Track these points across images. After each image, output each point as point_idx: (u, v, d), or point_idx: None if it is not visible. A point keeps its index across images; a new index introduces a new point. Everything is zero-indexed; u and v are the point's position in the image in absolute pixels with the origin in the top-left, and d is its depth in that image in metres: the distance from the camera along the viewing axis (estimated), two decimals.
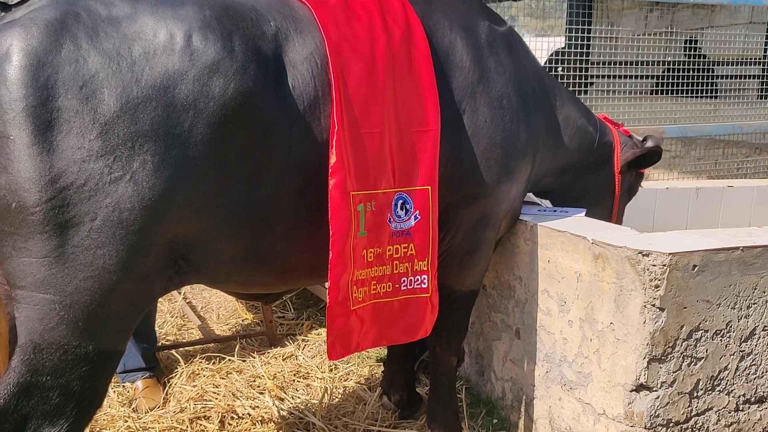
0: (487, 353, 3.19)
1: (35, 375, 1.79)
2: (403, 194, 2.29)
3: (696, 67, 5.18)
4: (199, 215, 1.94)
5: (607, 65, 5.36)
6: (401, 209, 2.30)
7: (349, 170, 2.13)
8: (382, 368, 3.29)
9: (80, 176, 1.74)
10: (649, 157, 3.17)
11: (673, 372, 2.38)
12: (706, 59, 5.54)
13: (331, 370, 3.52)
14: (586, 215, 2.88)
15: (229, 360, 3.58)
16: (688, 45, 5.65)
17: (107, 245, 1.78)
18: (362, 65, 2.18)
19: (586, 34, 4.63)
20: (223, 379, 3.38)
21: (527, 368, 2.91)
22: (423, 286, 2.40)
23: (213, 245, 2.02)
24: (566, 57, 4.74)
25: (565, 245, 2.64)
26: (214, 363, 3.56)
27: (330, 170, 2.08)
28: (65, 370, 1.81)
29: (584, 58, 4.74)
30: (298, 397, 3.26)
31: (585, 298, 2.56)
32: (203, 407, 3.11)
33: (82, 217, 1.76)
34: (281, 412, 3.11)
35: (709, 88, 5.24)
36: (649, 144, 3.16)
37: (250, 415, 3.06)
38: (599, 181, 3.16)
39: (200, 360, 3.58)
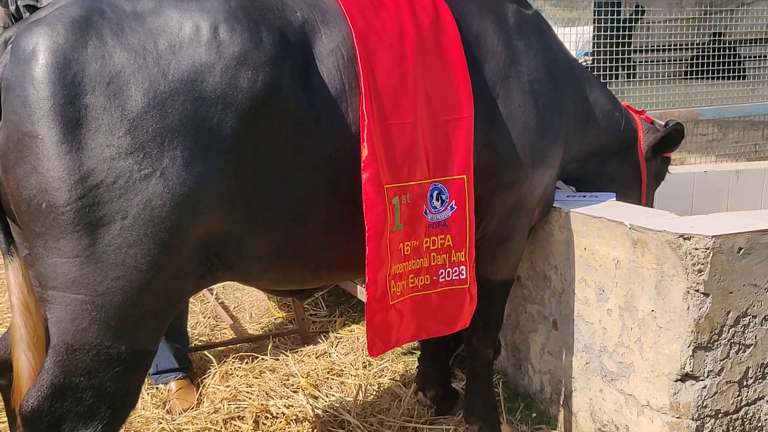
0: (523, 346, 3.13)
1: (68, 376, 1.77)
2: (438, 185, 2.24)
3: (731, 45, 5.05)
4: (230, 211, 1.91)
5: (640, 50, 5.24)
6: (437, 200, 2.25)
7: (381, 163, 2.09)
8: (416, 364, 3.24)
9: (110, 174, 1.72)
10: (672, 137, 3.10)
11: (721, 360, 2.30)
12: (740, 39, 5.41)
13: (365, 367, 3.48)
14: None
15: (262, 359, 3.55)
16: (716, 33, 5.52)
17: (138, 244, 1.76)
18: (391, 55, 2.15)
19: (616, 17, 4.55)
20: (256, 378, 3.36)
21: (566, 360, 2.84)
22: (461, 277, 2.35)
23: (245, 241, 1.99)
24: (600, 42, 4.66)
25: (602, 231, 2.58)
26: (247, 362, 3.53)
27: (362, 164, 2.05)
28: (98, 370, 1.78)
29: (619, 41, 4.64)
30: (333, 395, 3.23)
31: (624, 286, 2.49)
32: (237, 407, 3.09)
33: (113, 216, 1.73)
34: (315, 410, 3.08)
35: (746, 67, 5.11)
36: (671, 125, 3.10)
37: (284, 414, 3.03)
38: (625, 168, 3.11)
39: (233, 360, 3.56)
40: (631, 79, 5.03)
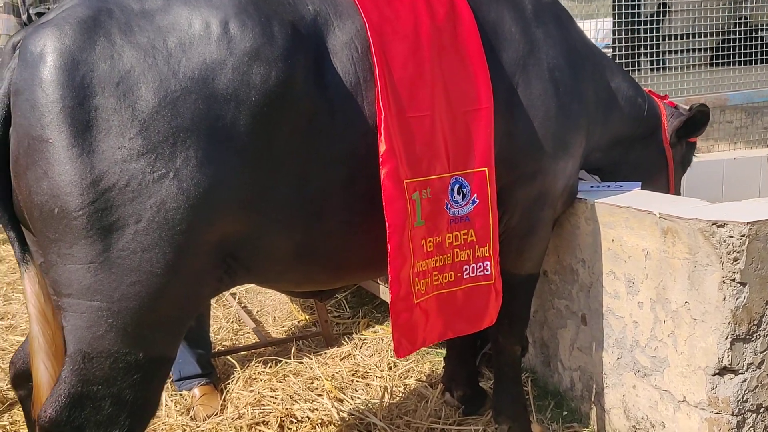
0: (552, 342, 3.06)
1: (86, 385, 1.73)
2: (459, 178, 2.19)
3: (756, 29, 4.92)
4: (246, 211, 1.86)
5: (663, 39, 5.12)
6: (458, 194, 2.19)
7: (400, 157, 2.04)
8: (442, 364, 3.18)
9: (122, 177, 1.68)
10: (697, 120, 3.02)
11: (761, 352, 2.21)
12: (766, 23, 5.26)
13: (390, 368, 3.42)
14: None
15: (286, 363, 3.51)
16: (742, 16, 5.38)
17: (153, 248, 1.71)
18: (406, 46, 2.09)
19: (636, 2, 4.46)
20: (280, 382, 3.31)
21: (596, 356, 2.76)
22: (486, 272, 2.29)
23: (263, 243, 1.95)
24: (621, 29, 4.56)
25: (630, 222, 2.50)
26: (270, 366, 3.49)
27: (380, 159, 2.00)
28: (116, 378, 1.74)
29: (640, 28, 4.55)
30: (358, 398, 3.17)
31: (655, 278, 2.41)
32: (261, 412, 3.04)
33: (127, 220, 1.69)
34: (341, 413, 3.03)
35: None
36: (695, 107, 3.01)
37: (309, 418, 2.98)
38: (650, 155, 3.04)
39: (256, 364, 3.52)
40: (654, 66, 4.92)
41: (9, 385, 2.63)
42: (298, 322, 4.22)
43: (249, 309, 4.44)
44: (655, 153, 3.06)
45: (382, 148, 2.00)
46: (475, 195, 2.23)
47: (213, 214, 1.78)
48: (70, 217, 1.66)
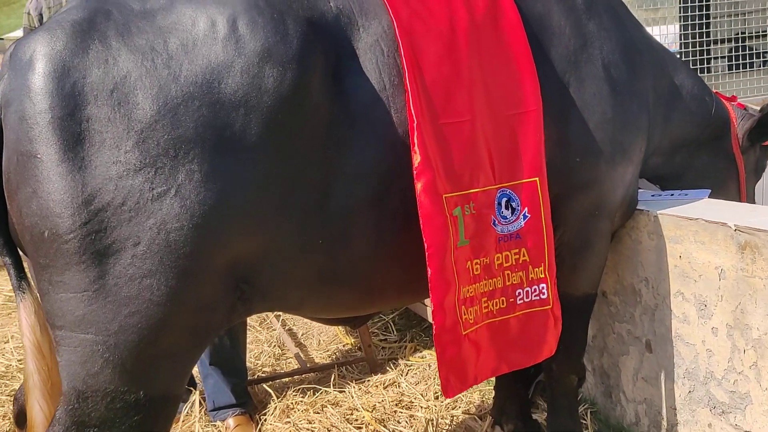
0: (613, 371, 2.77)
1: (81, 427, 1.57)
2: (506, 191, 1.96)
3: None
4: (260, 231, 1.68)
5: (730, 41, 4.83)
6: (506, 208, 1.97)
7: (437, 169, 1.83)
8: (493, 394, 2.92)
9: (118, 195, 1.53)
10: None
11: None
12: None
13: (436, 398, 3.18)
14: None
15: (325, 391, 3.29)
16: None
17: (154, 274, 1.55)
18: (440, 45, 1.91)
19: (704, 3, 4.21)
20: (317, 413, 3.10)
21: (665, 388, 2.48)
22: (542, 297, 2.05)
23: (280, 266, 1.76)
24: (688, 31, 4.30)
25: (700, 235, 2.23)
26: (308, 396, 3.28)
27: (415, 172, 1.80)
28: (114, 420, 1.58)
29: (710, 25, 4.27)
30: (400, 431, 2.93)
31: (732, 300, 2.14)
32: None
33: (123, 243, 1.53)
34: None
35: None
36: None
37: None
38: (718, 162, 2.78)
39: (294, 393, 3.32)
40: (728, 63, 4.62)
41: None
42: (343, 345, 4.01)
43: (294, 331, 4.26)
44: (723, 159, 2.79)
45: (417, 159, 1.79)
46: (526, 209, 2.00)
47: (221, 235, 1.61)
48: (60, 241, 1.52)
